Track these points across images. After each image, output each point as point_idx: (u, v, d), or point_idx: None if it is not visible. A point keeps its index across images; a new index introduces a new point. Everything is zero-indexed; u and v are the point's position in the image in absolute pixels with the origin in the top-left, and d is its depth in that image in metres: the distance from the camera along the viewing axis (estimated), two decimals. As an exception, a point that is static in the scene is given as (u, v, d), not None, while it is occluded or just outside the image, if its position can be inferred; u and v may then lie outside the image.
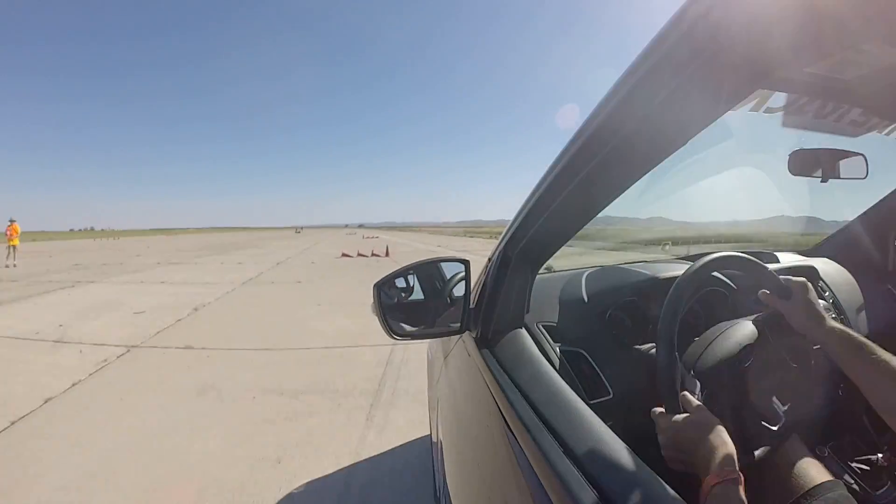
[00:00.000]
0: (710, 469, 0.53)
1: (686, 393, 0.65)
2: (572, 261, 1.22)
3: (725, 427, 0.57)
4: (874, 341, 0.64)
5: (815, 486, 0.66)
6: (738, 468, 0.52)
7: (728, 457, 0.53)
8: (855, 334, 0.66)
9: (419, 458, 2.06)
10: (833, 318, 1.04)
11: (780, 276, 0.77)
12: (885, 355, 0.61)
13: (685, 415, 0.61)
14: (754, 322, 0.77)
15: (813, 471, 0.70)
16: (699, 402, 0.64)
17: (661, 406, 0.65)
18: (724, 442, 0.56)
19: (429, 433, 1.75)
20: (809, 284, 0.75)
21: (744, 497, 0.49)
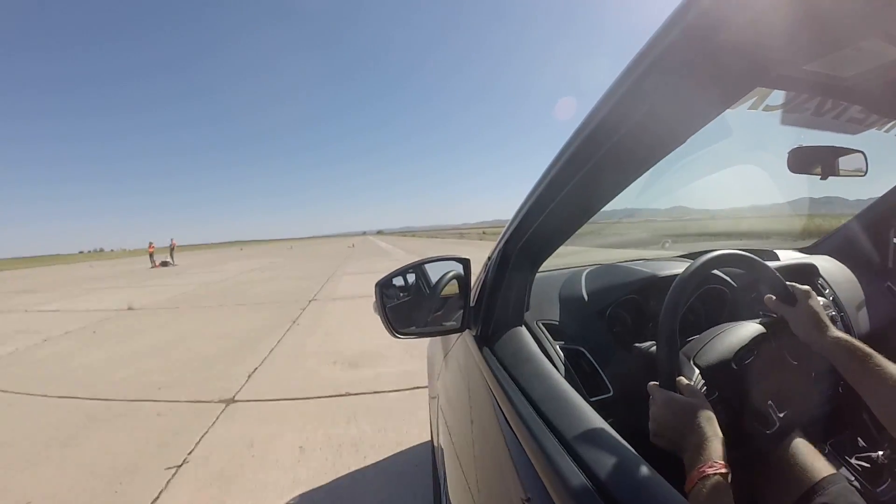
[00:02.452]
0: (698, 459, 0.51)
1: (682, 378, 0.64)
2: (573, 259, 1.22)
3: (719, 419, 0.57)
4: (875, 339, 0.65)
5: (821, 479, 0.67)
6: (725, 461, 0.51)
7: (716, 449, 0.52)
8: (858, 344, 0.65)
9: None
10: (834, 314, 1.03)
11: (787, 283, 0.76)
12: (889, 366, 0.61)
13: (679, 396, 0.60)
14: (760, 324, 0.78)
15: (817, 465, 0.70)
16: (695, 386, 0.63)
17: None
18: (714, 432, 0.54)
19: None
20: (813, 292, 0.75)
21: (730, 491, 0.48)
